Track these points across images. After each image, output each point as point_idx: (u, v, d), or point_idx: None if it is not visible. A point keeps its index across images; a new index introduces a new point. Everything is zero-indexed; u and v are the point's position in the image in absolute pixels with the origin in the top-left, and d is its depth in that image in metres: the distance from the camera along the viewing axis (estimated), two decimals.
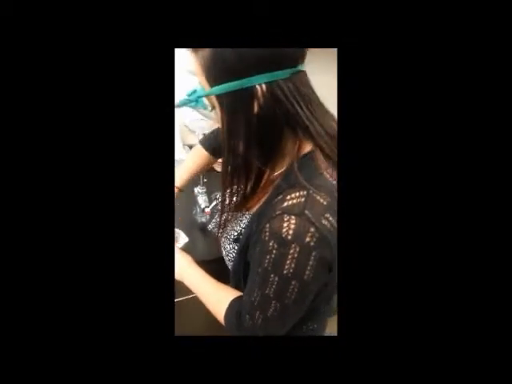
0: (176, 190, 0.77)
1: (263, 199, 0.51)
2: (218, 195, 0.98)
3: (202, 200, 0.98)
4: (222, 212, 0.58)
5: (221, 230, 0.61)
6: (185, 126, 1.12)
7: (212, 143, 0.79)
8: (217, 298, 0.58)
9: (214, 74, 0.42)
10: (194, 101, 0.46)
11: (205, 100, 0.46)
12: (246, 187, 0.52)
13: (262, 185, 0.54)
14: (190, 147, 1.16)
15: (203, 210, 0.97)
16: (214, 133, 0.81)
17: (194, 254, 0.70)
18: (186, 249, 0.74)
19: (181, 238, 0.82)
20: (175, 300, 0.94)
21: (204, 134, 1.06)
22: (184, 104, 0.47)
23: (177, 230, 0.81)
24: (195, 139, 1.12)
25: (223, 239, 0.61)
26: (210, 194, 1.02)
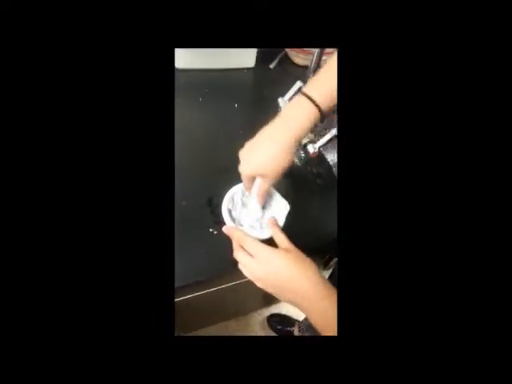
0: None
1: None
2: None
3: None
4: None
5: None
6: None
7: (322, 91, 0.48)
8: None
9: None
10: None
11: None
12: None
13: None
14: None
15: (304, 147, 0.58)
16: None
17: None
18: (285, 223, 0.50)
19: (280, 207, 0.52)
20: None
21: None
22: None
23: (276, 196, 0.53)
24: None
25: None
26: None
